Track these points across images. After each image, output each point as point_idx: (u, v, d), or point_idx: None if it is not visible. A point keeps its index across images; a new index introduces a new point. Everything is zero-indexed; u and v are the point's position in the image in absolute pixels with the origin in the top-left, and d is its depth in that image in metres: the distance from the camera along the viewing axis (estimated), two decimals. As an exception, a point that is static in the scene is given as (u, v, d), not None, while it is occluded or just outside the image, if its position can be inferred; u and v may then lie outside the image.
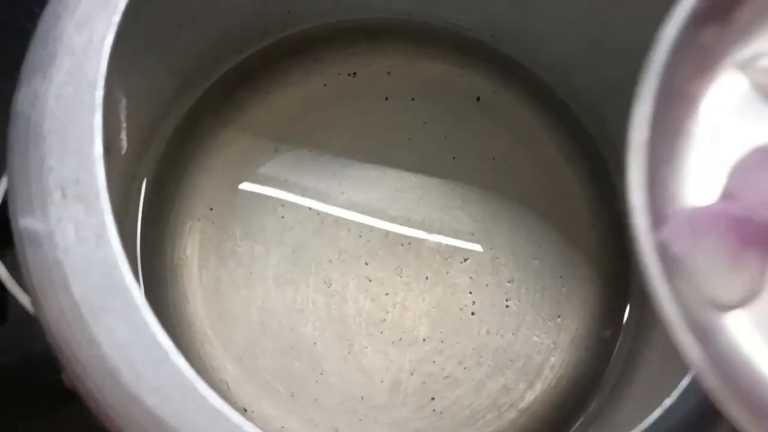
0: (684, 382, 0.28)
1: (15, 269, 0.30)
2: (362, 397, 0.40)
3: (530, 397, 0.41)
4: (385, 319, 0.42)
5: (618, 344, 0.42)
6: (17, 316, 0.33)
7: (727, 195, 0.23)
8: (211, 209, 0.42)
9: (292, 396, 0.40)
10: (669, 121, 0.23)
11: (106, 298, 0.25)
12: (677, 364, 0.33)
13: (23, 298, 0.28)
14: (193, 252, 0.41)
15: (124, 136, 0.36)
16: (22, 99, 0.27)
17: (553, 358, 0.42)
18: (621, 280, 0.42)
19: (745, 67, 0.24)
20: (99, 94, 0.27)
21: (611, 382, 0.41)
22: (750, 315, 0.22)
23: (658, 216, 0.22)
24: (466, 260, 0.42)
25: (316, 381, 0.40)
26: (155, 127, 0.42)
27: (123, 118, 0.35)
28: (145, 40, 0.34)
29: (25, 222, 0.26)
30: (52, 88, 0.27)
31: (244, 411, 0.39)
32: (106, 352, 0.25)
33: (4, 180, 0.30)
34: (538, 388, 0.41)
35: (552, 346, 0.42)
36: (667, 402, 0.28)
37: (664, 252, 0.21)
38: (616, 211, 0.43)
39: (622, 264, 0.43)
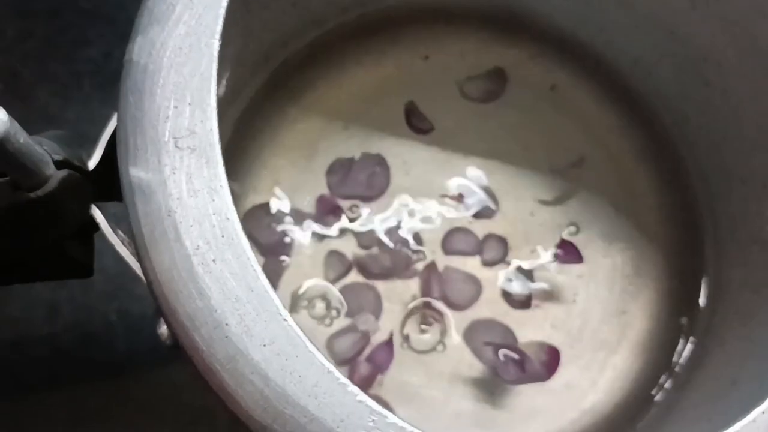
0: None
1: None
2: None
3: (593, 395, 0.41)
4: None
5: (685, 346, 0.41)
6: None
7: None
8: (277, 184, 0.42)
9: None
10: None
11: (217, 251, 0.25)
12: (749, 371, 0.33)
13: (122, 251, 0.28)
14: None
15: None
16: (138, 48, 0.27)
17: (616, 357, 0.41)
18: (692, 280, 0.42)
19: None
20: (216, 46, 0.27)
21: (677, 385, 0.40)
22: None
23: None
24: (533, 252, 0.42)
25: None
26: (233, 96, 0.42)
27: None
28: (240, 6, 0.34)
29: (136, 170, 0.26)
30: (171, 40, 0.27)
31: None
32: (216, 305, 0.25)
33: (106, 131, 0.30)
34: (601, 386, 0.41)
35: (617, 344, 0.41)
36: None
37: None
38: (690, 212, 0.43)
39: (693, 264, 0.42)
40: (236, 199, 0.40)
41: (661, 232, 0.43)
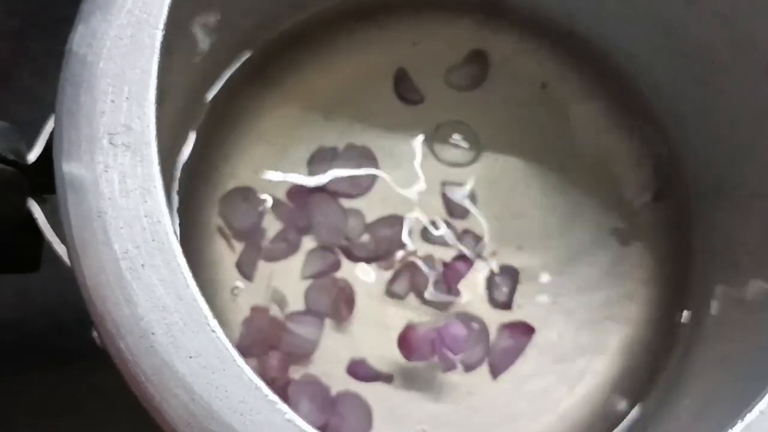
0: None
1: (52, 217, 0.29)
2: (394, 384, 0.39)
3: (570, 401, 0.40)
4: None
5: (670, 354, 0.40)
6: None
7: None
8: (256, 173, 0.41)
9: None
10: None
11: (147, 256, 0.24)
12: (729, 387, 0.32)
13: (59, 248, 0.27)
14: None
15: (175, 90, 0.34)
16: (78, 38, 0.26)
17: (597, 363, 0.40)
18: (678, 285, 0.40)
19: None
20: (159, 37, 0.25)
21: (659, 395, 0.39)
22: None
23: None
24: (519, 248, 0.41)
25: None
26: (206, 85, 0.40)
27: (175, 72, 0.33)
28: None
29: (69, 167, 0.25)
30: (112, 30, 0.25)
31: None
32: (143, 313, 0.24)
33: (48, 124, 0.28)
34: (579, 392, 0.40)
35: (598, 349, 0.40)
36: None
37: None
38: (680, 215, 0.41)
39: (680, 270, 0.40)
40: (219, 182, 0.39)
41: (650, 237, 0.41)
